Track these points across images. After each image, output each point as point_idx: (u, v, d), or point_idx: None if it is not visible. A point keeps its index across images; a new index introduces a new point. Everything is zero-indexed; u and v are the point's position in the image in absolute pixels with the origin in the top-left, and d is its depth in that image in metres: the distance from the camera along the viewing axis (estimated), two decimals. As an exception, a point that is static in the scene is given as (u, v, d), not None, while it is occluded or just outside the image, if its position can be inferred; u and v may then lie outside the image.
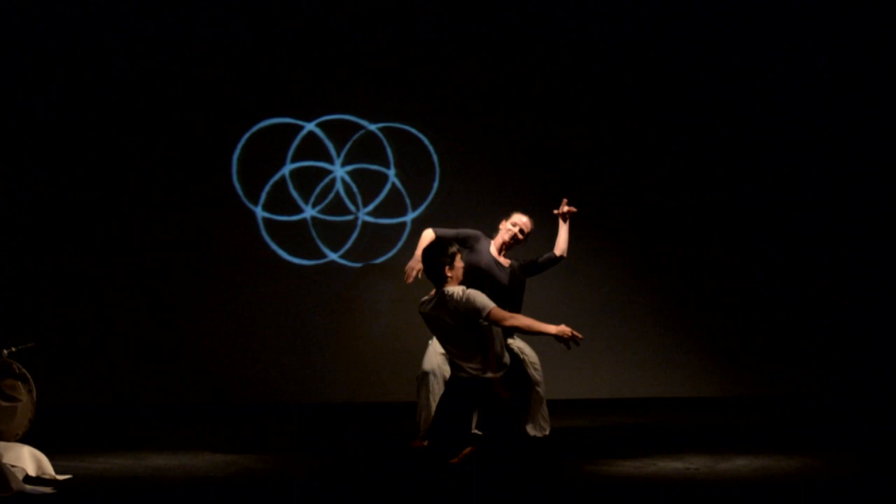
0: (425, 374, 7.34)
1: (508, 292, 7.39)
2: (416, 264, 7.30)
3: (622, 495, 5.92)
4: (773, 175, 10.17)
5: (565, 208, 7.70)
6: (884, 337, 9.96)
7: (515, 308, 7.32)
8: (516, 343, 7.50)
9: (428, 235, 7.39)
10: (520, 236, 7.57)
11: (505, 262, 7.55)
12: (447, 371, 7.17)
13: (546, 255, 7.69)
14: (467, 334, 6.63)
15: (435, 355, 7.32)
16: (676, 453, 6.97)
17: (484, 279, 7.26)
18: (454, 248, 6.81)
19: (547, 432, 7.44)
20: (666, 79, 10.18)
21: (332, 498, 6.03)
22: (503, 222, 7.60)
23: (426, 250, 6.92)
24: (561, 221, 7.70)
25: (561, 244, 7.70)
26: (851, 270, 10.09)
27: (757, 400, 9.75)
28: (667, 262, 10.14)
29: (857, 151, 10.14)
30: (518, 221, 7.58)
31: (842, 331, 10.05)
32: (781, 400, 9.72)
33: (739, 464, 6.61)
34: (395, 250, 9.95)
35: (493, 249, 7.54)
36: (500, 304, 6.76)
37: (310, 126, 10.02)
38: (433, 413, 7.11)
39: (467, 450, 6.66)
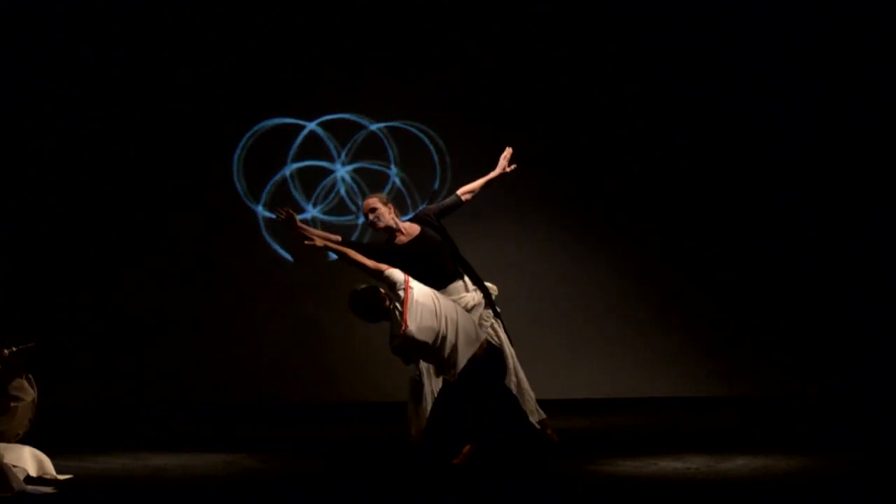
0: (415, 377, 7.31)
1: (427, 258, 7.11)
2: (312, 237, 6.97)
3: (622, 495, 5.92)
4: (774, 175, 10.16)
5: (506, 160, 7.33)
6: (884, 337, 9.95)
7: (442, 260, 7.12)
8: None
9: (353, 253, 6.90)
10: (370, 218, 7.20)
11: (406, 233, 7.20)
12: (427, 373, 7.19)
13: (450, 199, 7.34)
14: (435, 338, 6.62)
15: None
16: (676, 453, 6.97)
17: (409, 267, 6.91)
18: (378, 296, 6.64)
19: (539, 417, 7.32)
20: (668, 79, 10.17)
21: (332, 498, 6.03)
22: None
23: (363, 313, 6.70)
24: (499, 167, 7.33)
25: (471, 186, 7.31)
26: (852, 270, 10.08)
27: (757, 400, 9.74)
28: (667, 261, 10.13)
29: (857, 151, 10.13)
30: (363, 209, 7.30)
31: (842, 331, 10.05)
32: (781, 400, 9.72)
33: (739, 464, 6.61)
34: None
35: (393, 237, 7.23)
36: (433, 269, 6.87)
37: (311, 126, 10.02)
38: (426, 416, 7.12)
39: (467, 449, 6.66)
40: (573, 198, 10.06)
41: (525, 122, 10.11)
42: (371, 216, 7.24)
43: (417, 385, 7.27)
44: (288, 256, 9.95)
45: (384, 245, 7.23)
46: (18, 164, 9.82)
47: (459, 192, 7.41)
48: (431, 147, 10.07)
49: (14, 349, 6.44)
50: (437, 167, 10.06)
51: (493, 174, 7.42)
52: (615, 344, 10.05)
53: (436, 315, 6.62)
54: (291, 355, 9.93)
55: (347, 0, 10.08)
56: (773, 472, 6.34)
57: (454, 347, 6.62)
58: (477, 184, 7.39)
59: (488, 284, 7.32)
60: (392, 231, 7.26)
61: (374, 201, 7.28)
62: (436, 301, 6.65)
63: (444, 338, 6.60)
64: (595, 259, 10.12)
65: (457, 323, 6.65)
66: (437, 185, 10.04)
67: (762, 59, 10.15)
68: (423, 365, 7.28)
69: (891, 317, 9.96)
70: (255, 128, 9.96)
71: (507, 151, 7.46)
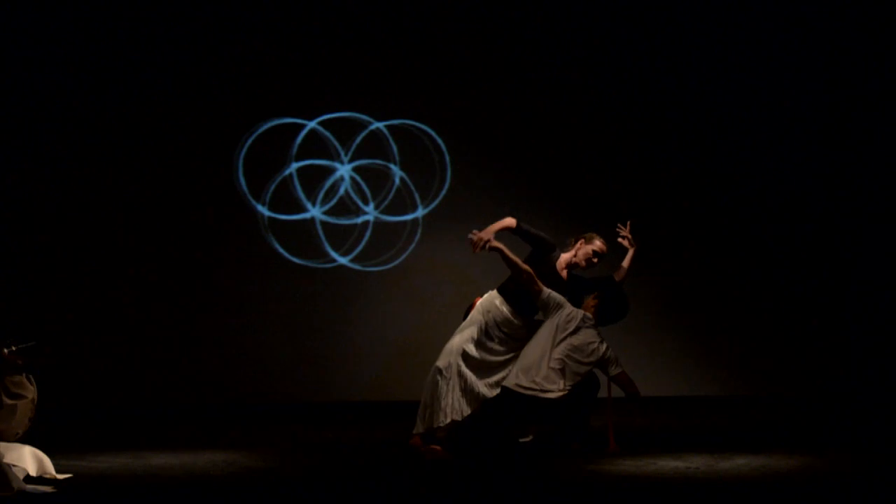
0: (439, 369, 7.21)
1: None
2: (486, 235, 7.12)
3: (622, 495, 5.92)
4: (774, 175, 10.16)
5: (625, 234, 7.63)
6: (883, 337, 9.95)
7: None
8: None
9: (509, 221, 7.28)
10: (595, 261, 7.45)
11: (563, 277, 7.46)
12: (464, 367, 7.16)
13: (603, 277, 7.57)
14: None
15: (453, 351, 7.22)
16: (676, 453, 6.98)
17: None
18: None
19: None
20: (668, 79, 10.17)
21: (331, 498, 6.04)
22: (582, 243, 7.41)
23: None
24: (628, 245, 7.63)
25: (622, 270, 7.61)
26: (851, 270, 10.08)
27: (757, 400, 9.74)
28: (667, 261, 10.13)
29: (856, 152, 10.13)
30: (600, 249, 7.42)
31: (842, 331, 10.05)
32: (781, 400, 9.72)
33: (739, 464, 6.62)
34: (396, 249, 9.95)
35: (561, 265, 7.42)
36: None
37: (312, 124, 10.01)
38: (443, 411, 7.10)
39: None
40: (573, 198, 10.05)
41: (525, 122, 10.11)
42: (595, 260, 7.43)
43: (446, 376, 7.18)
44: (288, 256, 9.95)
45: (546, 256, 7.36)
46: (18, 164, 9.81)
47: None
48: (430, 147, 10.07)
49: (14, 348, 6.44)
50: (437, 166, 10.05)
51: (629, 254, 7.66)
52: (615, 344, 9.99)
53: (553, 326, 7.09)
54: (291, 355, 9.92)
55: (347, 0, 10.07)
56: (773, 472, 6.35)
57: (523, 356, 7.02)
58: (624, 265, 7.63)
59: None
60: (571, 267, 7.44)
61: (605, 249, 7.46)
62: (566, 325, 7.13)
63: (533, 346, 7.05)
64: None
65: (546, 353, 7.13)
66: (436, 185, 10.04)
67: (762, 60, 10.15)
68: (445, 361, 7.21)
69: (891, 317, 9.96)
70: (256, 127, 9.95)
71: (623, 230, 7.69)
